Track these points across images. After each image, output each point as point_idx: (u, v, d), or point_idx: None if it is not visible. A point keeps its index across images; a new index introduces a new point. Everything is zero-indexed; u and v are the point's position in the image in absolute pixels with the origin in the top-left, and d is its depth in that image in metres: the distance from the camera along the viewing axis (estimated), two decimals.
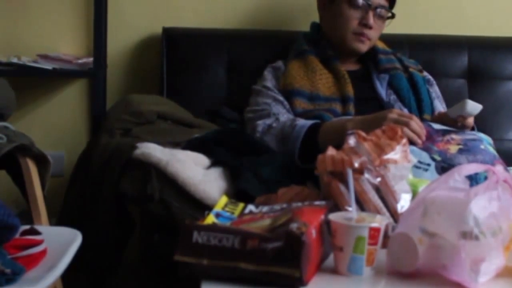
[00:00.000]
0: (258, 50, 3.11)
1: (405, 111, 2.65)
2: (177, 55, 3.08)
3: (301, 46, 2.82)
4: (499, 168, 1.66)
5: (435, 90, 2.83)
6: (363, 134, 1.84)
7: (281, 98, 2.70)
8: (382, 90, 2.73)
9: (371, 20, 2.70)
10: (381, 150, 1.79)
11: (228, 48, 3.11)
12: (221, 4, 3.24)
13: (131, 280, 2.73)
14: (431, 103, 2.75)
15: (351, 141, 1.81)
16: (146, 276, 2.54)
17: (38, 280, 1.79)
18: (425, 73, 2.86)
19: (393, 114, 2.30)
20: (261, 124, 2.61)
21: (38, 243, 1.93)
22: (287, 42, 2.96)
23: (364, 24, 2.71)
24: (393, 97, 2.72)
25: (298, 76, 2.72)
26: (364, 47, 2.75)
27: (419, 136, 2.24)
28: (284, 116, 2.62)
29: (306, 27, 2.95)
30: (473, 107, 2.33)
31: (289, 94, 2.70)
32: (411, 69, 2.80)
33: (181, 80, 3.08)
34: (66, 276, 2.09)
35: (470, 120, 2.40)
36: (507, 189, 1.63)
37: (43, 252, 1.93)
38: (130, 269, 2.73)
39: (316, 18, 2.91)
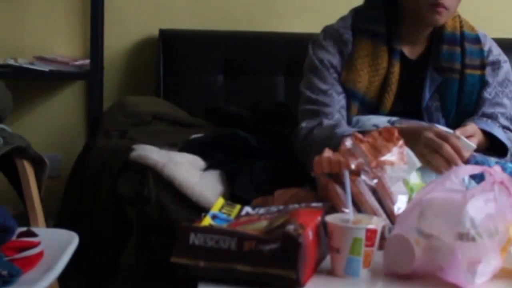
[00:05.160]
0: (255, 52, 3.11)
1: (442, 121, 2.45)
2: (174, 56, 3.09)
3: (378, 25, 2.45)
4: (495, 169, 1.66)
5: (497, 79, 2.50)
6: (359, 135, 1.84)
7: (339, 89, 2.41)
8: (427, 92, 2.46)
9: None
10: (377, 151, 1.79)
11: (224, 50, 3.11)
12: (217, 6, 3.24)
13: (128, 282, 2.73)
14: (473, 108, 2.48)
15: (348, 142, 1.81)
16: (143, 278, 2.54)
17: (34, 282, 1.79)
18: (490, 59, 2.51)
19: (429, 134, 2.09)
20: (304, 128, 2.37)
21: (35, 245, 1.93)
22: (284, 43, 2.97)
23: None
24: (436, 103, 2.45)
25: (362, 72, 2.40)
26: (441, 19, 2.38)
27: (451, 160, 2.04)
28: (334, 117, 2.37)
29: (302, 28, 2.95)
30: (464, 145, 2.11)
31: (348, 93, 2.42)
32: (467, 71, 2.47)
33: (177, 81, 3.08)
34: (63, 278, 2.08)
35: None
36: (504, 190, 1.63)
37: (40, 254, 1.92)
38: (127, 271, 2.73)
39: (313, 19, 2.90)
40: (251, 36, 3.18)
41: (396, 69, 2.41)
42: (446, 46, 2.47)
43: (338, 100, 2.39)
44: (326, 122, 2.33)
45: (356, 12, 2.49)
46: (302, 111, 2.43)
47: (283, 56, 3.12)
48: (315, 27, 3.16)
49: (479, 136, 2.27)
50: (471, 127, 2.27)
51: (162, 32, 3.13)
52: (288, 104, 3.05)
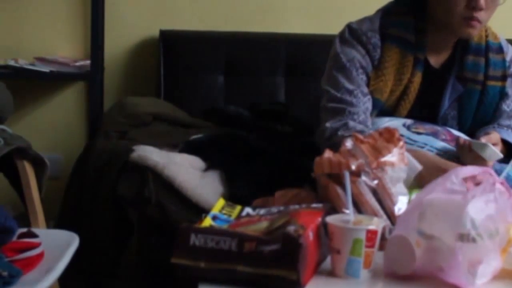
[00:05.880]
0: (256, 52, 3.11)
1: (456, 129, 2.40)
2: (174, 57, 3.09)
3: (408, 32, 2.35)
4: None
5: None
6: (360, 136, 1.84)
7: (366, 90, 2.31)
8: (447, 101, 2.41)
9: (481, 0, 2.26)
10: (378, 152, 1.79)
11: (225, 51, 3.11)
12: (217, 7, 3.24)
13: (128, 282, 2.73)
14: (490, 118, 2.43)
15: (348, 143, 1.81)
16: (143, 278, 2.54)
17: (35, 283, 1.79)
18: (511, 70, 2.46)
19: None
20: (329, 128, 2.28)
21: (35, 246, 1.93)
22: (284, 43, 2.96)
23: (473, 7, 2.26)
24: (453, 113, 2.41)
25: (389, 82, 2.33)
26: (474, 32, 2.32)
27: None
28: (360, 117, 2.28)
29: (302, 28, 2.95)
30: (492, 153, 2.17)
31: (372, 101, 2.34)
32: (489, 83, 2.42)
33: (178, 82, 3.09)
34: (63, 279, 2.08)
35: (487, 164, 2.16)
36: (504, 191, 1.63)
37: (40, 255, 1.93)
38: (127, 271, 2.73)
39: (313, 19, 2.91)
40: (251, 37, 3.18)
41: (417, 78, 2.35)
42: (471, 57, 2.41)
43: (363, 102, 2.30)
44: (352, 124, 2.26)
45: (383, 14, 2.39)
46: (326, 108, 2.32)
47: (283, 57, 3.12)
48: (315, 27, 3.17)
49: (500, 145, 2.27)
50: (495, 136, 2.28)
51: (163, 33, 3.13)
52: (287, 104, 3.05)
